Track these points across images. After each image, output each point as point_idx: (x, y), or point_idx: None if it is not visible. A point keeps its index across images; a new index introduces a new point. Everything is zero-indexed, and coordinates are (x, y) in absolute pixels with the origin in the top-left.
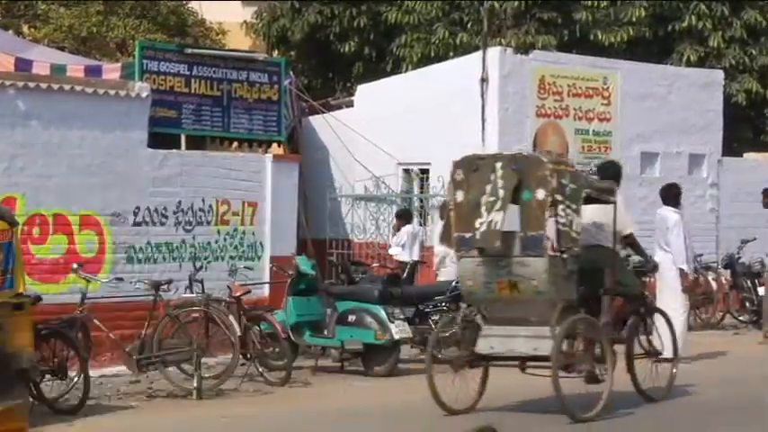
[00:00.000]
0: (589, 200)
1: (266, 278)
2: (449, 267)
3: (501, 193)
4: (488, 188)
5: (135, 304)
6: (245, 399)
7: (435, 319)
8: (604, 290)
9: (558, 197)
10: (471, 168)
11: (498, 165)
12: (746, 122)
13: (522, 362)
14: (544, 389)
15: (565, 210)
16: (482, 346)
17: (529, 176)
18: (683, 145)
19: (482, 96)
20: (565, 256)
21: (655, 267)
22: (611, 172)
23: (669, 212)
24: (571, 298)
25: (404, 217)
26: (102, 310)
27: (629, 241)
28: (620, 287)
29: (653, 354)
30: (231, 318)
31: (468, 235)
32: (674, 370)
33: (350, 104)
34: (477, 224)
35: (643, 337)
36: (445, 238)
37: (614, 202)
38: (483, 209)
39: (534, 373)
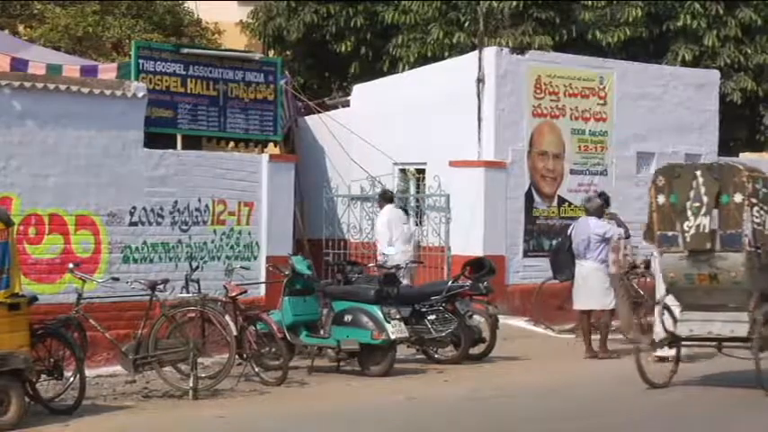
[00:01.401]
0: None
1: (262, 278)
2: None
3: (705, 199)
4: (692, 194)
5: (131, 304)
6: (242, 399)
7: (431, 319)
8: None
9: (754, 200)
10: (673, 175)
11: (698, 173)
12: (742, 122)
13: (719, 343)
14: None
15: (759, 211)
16: (681, 330)
17: (727, 182)
18: (679, 145)
19: (478, 96)
20: (760, 251)
21: None
22: None
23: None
24: (765, 287)
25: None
26: (98, 309)
27: None
28: None
29: None
30: (227, 318)
31: (670, 233)
32: None
33: (346, 104)
34: (685, 227)
35: None
36: (648, 236)
37: None
38: (689, 213)
39: (731, 354)
